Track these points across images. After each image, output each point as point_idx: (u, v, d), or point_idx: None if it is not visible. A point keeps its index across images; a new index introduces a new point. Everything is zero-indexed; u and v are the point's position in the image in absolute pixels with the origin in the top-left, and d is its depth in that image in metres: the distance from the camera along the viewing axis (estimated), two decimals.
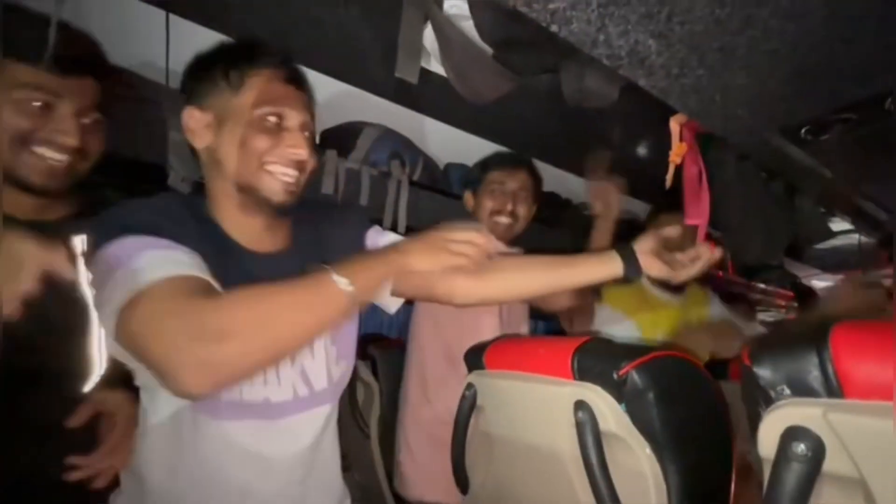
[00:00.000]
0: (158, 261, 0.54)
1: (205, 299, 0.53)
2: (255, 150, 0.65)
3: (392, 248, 0.69)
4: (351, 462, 1.44)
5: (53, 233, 0.71)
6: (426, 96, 1.24)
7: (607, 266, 0.82)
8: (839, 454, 0.41)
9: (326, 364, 0.75)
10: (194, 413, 0.65)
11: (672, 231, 0.87)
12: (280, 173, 0.66)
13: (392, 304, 0.85)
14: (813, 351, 0.44)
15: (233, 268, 0.65)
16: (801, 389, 0.45)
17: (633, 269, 0.81)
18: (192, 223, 0.64)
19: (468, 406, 0.87)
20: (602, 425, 0.64)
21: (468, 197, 1.33)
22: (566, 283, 0.85)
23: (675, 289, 1.48)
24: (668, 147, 1.00)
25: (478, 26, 0.86)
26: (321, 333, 0.69)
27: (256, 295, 0.55)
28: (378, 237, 0.83)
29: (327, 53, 1.11)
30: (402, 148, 1.40)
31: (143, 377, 0.67)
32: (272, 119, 0.66)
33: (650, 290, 1.50)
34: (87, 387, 0.75)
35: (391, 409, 1.33)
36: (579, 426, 0.64)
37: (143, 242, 0.56)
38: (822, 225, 1.42)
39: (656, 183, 1.05)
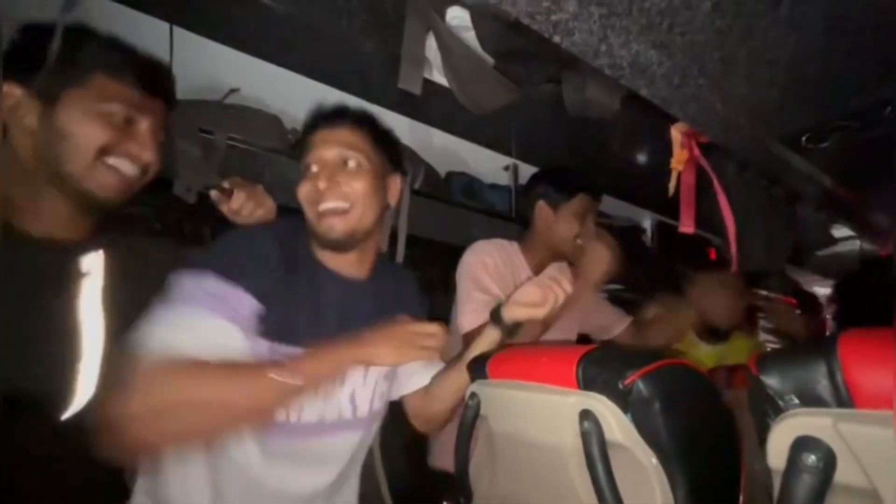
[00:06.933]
0: (177, 327, 0.64)
1: (159, 381, 0.61)
2: (304, 196, 0.82)
3: (358, 340, 0.72)
4: None
5: (70, 252, 0.71)
6: (427, 106, 1.25)
7: (489, 332, 0.89)
8: (850, 465, 0.41)
9: (373, 393, 0.87)
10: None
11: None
12: (328, 210, 0.80)
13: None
14: (821, 359, 0.44)
15: (323, 289, 0.81)
16: (810, 399, 0.45)
17: (501, 323, 0.87)
18: (283, 259, 0.75)
19: (472, 416, 0.86)
20: (608, 435, 0.63)
21: (542, 207, 1.21)
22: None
23: (718, 339, 1.60)
24: (670, 155, 1.01)
25: (480, 37, 0.86)
26: (258, 418, 0.72)
27: (198, 383, 0.63)
28: None
29: (329, 65, 1.12)
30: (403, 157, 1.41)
31: None
32: (314, 170, 0.82)
33: (693, 341, 1.59)
34: (67, 413, 0.69)
35: (392, 416, 1.32)
36: (585, 436, 0.64)
37: (200, 291, 0.66)
38: (824, 231, 1.43)
39: (658, 191, 1.06)
